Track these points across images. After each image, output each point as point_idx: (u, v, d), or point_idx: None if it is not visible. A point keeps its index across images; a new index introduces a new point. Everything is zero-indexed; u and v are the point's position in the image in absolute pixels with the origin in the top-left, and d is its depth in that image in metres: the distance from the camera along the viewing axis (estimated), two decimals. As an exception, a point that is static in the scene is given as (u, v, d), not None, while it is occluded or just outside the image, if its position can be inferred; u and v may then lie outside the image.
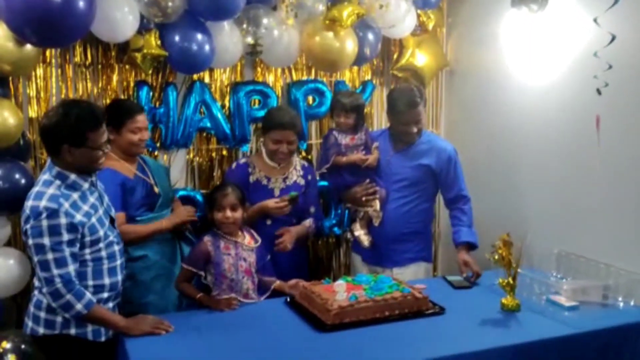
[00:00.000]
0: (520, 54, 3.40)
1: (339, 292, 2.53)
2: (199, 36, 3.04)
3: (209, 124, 3.54)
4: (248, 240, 2.80)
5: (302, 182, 3.20)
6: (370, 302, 2.51)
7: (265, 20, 3.18)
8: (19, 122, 2.82)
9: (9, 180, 2.81)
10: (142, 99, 3.33)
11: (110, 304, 2.44)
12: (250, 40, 3.18)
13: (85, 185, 2.36)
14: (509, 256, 2.61)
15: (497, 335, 2.40)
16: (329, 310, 2.44)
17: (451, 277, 3.08)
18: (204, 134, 3.58)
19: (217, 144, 3.61)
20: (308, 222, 3.20)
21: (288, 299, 2.75)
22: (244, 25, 3.17)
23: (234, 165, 3.25)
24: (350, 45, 3.39)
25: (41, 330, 2.34)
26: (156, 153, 3.46)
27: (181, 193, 3.47)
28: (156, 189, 2.94)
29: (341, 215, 3.87)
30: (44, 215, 2.20)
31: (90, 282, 2.34)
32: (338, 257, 3.98)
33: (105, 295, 2.39)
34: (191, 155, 3.57)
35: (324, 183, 3.60)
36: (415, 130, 3.17)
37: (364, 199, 3.20)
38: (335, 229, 3.87)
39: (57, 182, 2.29)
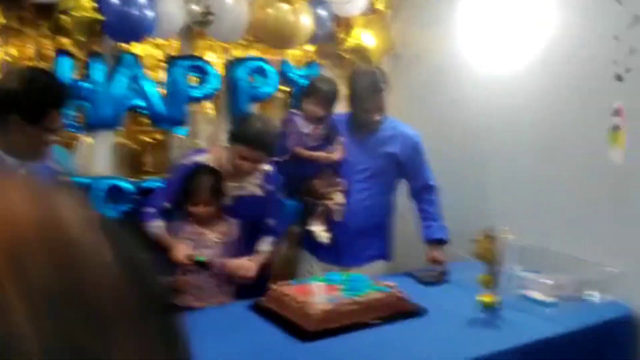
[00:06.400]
0: (479, 40, 3.25)
1: (319, 294, 2.25)
2: (141, -1, 2.62)
3: (141, 103, 3.10)
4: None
5: (258, 192, 2.77)
6: (353, 304, 2.25)
7: (216, -14, 2.82)
8: None
9: None
10: (65, 71, 2.84)
11: None
12: (199, 7, 2.79)
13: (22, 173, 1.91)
14: (492, 251, 2.46)
15: (493, 337, 2.23)
16: (310, 315, 2.16)
17: (417, 272, 2.89)
18: (135, 115, 3.13)
19: (151, 126, 3.17)
20: (267, 247, 2.73)
21: (253, 303, 2.42)
22: (192, -10, 2.80)
23: (183, 159, 2.80)
24: (306, 20, 3.09)
25: None
26: (79, 135, 2.97)
27: (107, 182, 3.02)
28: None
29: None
30: None
31: None
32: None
33: None
34: (119, 139, 3.11)
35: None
36: (378, 118, 2.94)
37: (324, 190, 2.92)
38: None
39: None
